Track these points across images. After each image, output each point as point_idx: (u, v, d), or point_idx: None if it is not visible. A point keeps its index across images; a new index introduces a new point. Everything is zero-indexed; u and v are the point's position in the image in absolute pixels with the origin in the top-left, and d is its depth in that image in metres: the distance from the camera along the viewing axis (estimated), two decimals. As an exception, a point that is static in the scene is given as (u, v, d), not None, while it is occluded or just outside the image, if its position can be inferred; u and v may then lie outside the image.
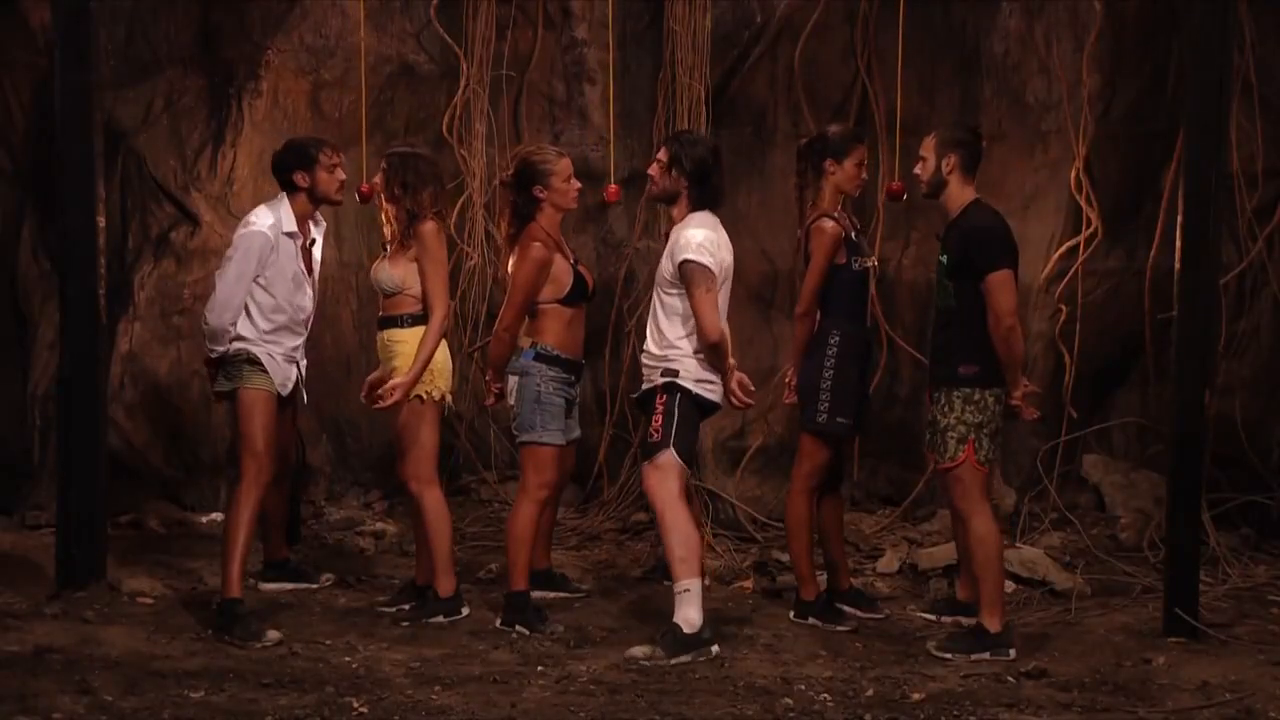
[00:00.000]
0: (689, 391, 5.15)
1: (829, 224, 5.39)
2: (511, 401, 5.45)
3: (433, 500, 5.45)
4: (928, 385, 5.40)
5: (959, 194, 5.21)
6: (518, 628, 5.34)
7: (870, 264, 5.63)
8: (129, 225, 7.19)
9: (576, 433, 5.71)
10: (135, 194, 7.17)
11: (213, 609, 5.40)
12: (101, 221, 5.82)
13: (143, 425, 7.10)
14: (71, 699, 4.51)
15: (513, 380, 5.44)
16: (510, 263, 5.50)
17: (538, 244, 5.37)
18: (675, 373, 5.16)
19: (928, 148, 5.24)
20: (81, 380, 5.77)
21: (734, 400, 5.22)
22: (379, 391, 5.38)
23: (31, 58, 7.02)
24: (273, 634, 5.21)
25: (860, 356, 5.55)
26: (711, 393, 5.21)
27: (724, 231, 5.27)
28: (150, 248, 7.16)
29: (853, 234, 5.54)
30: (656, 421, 5.15)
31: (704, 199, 5.19)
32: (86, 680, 4.68)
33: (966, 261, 5.10)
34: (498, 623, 5.42)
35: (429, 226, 5.36)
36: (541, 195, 5.43)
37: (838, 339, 5.44)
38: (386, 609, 5.65)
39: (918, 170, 5.28)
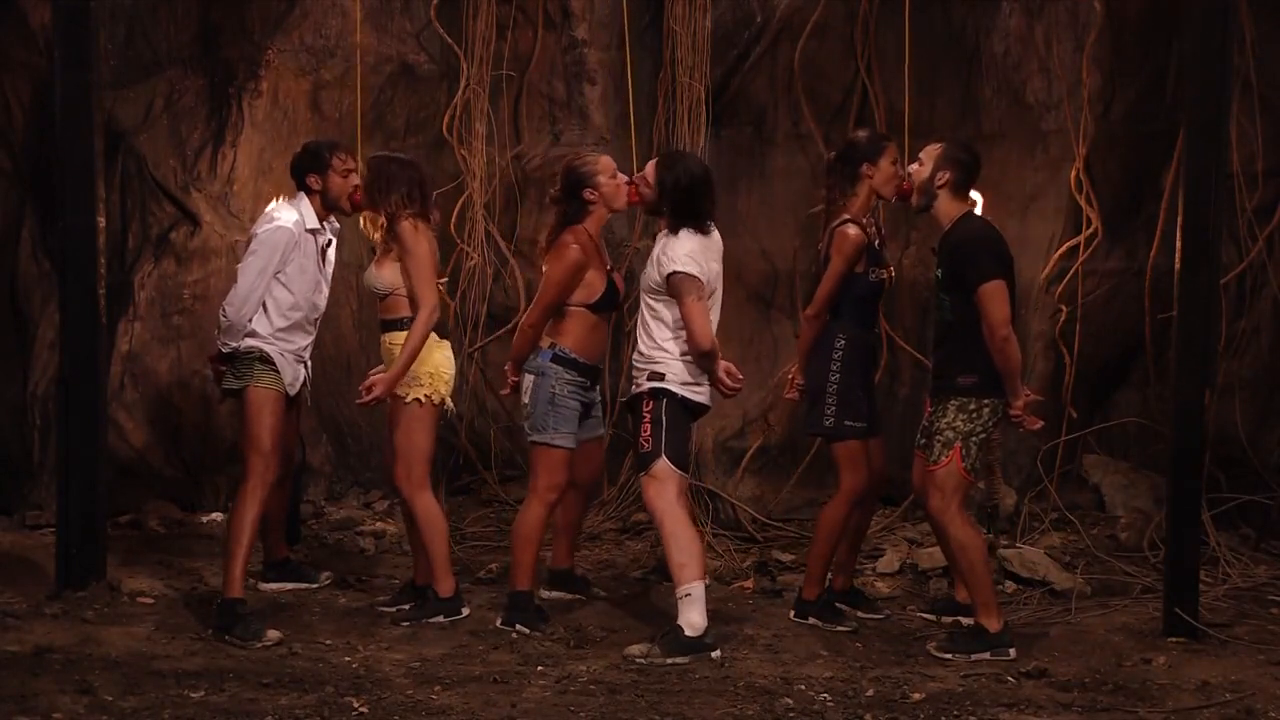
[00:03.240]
0: (675, 395, 5.16)
1: (853, 230, 5.37)
2: (525, 400, 5.42)
3: (424, 504, 5.45)
4: (927, 394, 5.40)
5: (948, 208, 5.22)
6: (518, 627, 5.34)
7: (887, 274, 5.60)
8: (129, 225, 7.18)
9: (600, 431, 5.68)
10: (135, 194, 7.17)
11: (214, 609, 5.40)
12: (102, 221, 5.82)
13: (143, 425, 7.10)
14: (71, 699, 4.52)
15: (528, 379, 5.41)
16: (545, 262, 5.46)
17: (575, 246, 5.34)
18: (661, 376, 5.17)
19: (929, 155, 5.25)
20: (81, 380, 5.77)
21: (722, 389, 5.21)
22: (360, 387, 5.40)
23: (31, 58, 7.02)
24: (273, 633, 5.21)
25: (865, 361, 5.54)
26: (698, 394, 5.22)
27: (715, 238, 5.27)
28: (150, 248, 7.16)
29: (876, 242, 5.54)
30: (645, 430, 5.16)
31: (687, 221, 5.18)
32: (86, 680, 4.68)
33: (958, 274, 5.11)
34: (498, 622, 5.42)
35: (404, 226, 5.36)
36: (593, 197, 5.38)
37: (843, 343, 5.42)
38: (387, 609, 5.65)
39: (912, 169, 5.31)
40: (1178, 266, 5.37)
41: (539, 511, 5.40)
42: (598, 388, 5.58)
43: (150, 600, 5.70)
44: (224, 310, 5.45)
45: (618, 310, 5.40)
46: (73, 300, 5.76)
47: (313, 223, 5.52)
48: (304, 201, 5.55)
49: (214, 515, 6.96)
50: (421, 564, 5.64)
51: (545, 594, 5.81)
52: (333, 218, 5.69)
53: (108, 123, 6.77)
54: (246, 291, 5.40)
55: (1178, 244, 5.35)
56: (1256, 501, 6.74)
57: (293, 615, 5.58)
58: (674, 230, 5.19)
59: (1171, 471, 5.45)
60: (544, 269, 5.46)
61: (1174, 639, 5.29)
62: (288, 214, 5.50)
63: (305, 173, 5.56)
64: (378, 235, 5.48)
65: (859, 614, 5.62)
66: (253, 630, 5.20)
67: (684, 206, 5.19)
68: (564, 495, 5.55)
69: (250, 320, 5.40)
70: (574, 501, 5.78)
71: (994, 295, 5.04)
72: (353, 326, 7.48)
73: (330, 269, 5.73)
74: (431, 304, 5.34)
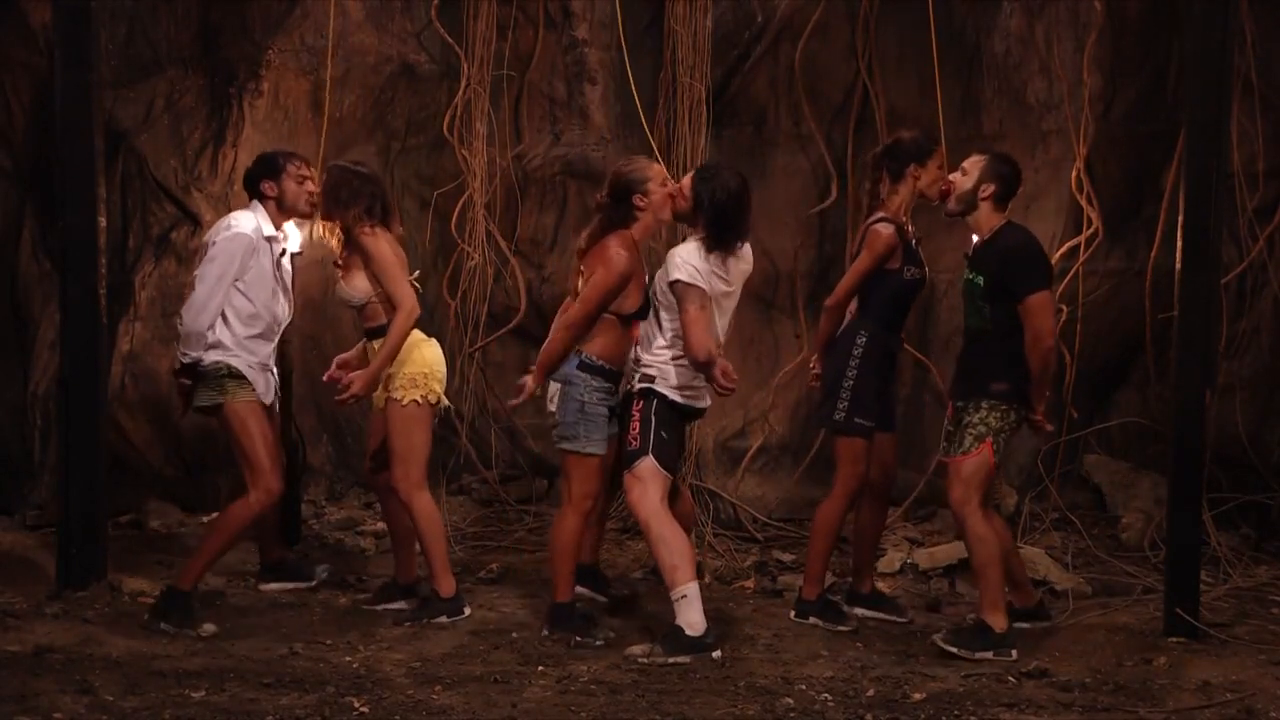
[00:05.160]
0: (665, 396, 5.16)
1: (886, 229, 5.38)
2: (552, 408, 5.34)
3: (422, 504, 5.45)
4: (949, 398, 5.41)
5: (989, 218, 5.27)
6: (576, 639, 5.23)
7: (922, 274, 5.59)
8: (130, 225, 7.19)
9: (613, 429, 5.68)
10: (136, 194, 7.17)
11: (160, 594, 5.42)
12: (102, 221, 5.82)
13: (143, 425, 7.10)
14: (72, 699, 4.52)
15: (554, 387, 5.33)
16: (583, 268, 5.33)
17: (624, 252, 5.22)
18: (652, 378, 5.17)
19: (974, 165, 5.28)
20: (82, 380, 5.77)
21: (717, 389, 5.19)
22: (340, 384, 5.39)
23: (31, 58, 7.03)
24: (209, 626, 5.24)
25: (885, 362, 5.53)
26: (692, 399, 5.22)
27: (747, 256, 5.24)
28: (151, 248, 7.16)
29: (912, 241, 5.54)
30: (634, 429, 5.16)
31: (720, 241, 5.15)
32: (87, 680, 4.68)
33: (1005, 284, 5.14)
34: (543, 632, 5.34)
35: (362, 236, 5.37)
36: (642, 204, 5.27)
37: (864, 340, 5.43)
38: (371, 607, 5.67)
39: (954, 177, 5.33)
40: (1178, 266, 5.37)
41: (576, 521, 5.30)
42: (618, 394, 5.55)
43: (150, 600, 5.69)
44: (180, 317, 5.44)
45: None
46: (73, 300, 5.76)
47: (270, 230, 5.54)
48: (260, 210, 5.57)
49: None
50: (403, 562, 5.68)
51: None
52: (291, 225, 5.71)
53: (108, 122, 6.76)
54: (204, 299, 5.39)
55: (1178, 244, 5.36)
56: (1257, 501, 6.75)
57: (293, 615, 5.58)
58: (703, 243, 5.15)
59: (1172, 471, 5.45)
60: (583, 272, 5.32)
61: (1175, 639, 5.29)
62: (246, 221, 5.51)
63: (260, 179, 5.58)
64: (335, 243, 5.49)
65: (881, 615, 5.63)
66: (190, 619, 5.24)
67: (718, 223, 5.15)
68: (599, 502, 5.50)
69: (209, 329, 5.39)
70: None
71: (1043, 306, 5.11)
72: (353, 326, 7.46)
73: (289, 278, 5.72)
74: (409, 304, 5.34)
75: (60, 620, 5.40)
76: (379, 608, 5.67)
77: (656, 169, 5.41)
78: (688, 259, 5.11)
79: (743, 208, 5.20)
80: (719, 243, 5.16)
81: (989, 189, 5.23)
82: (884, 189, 5.47)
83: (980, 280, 5.22)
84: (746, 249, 5.30)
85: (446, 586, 5.50)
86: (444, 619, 5.46)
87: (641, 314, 5.35)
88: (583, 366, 5.28)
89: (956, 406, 5.29)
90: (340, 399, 5.39)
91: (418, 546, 5.60)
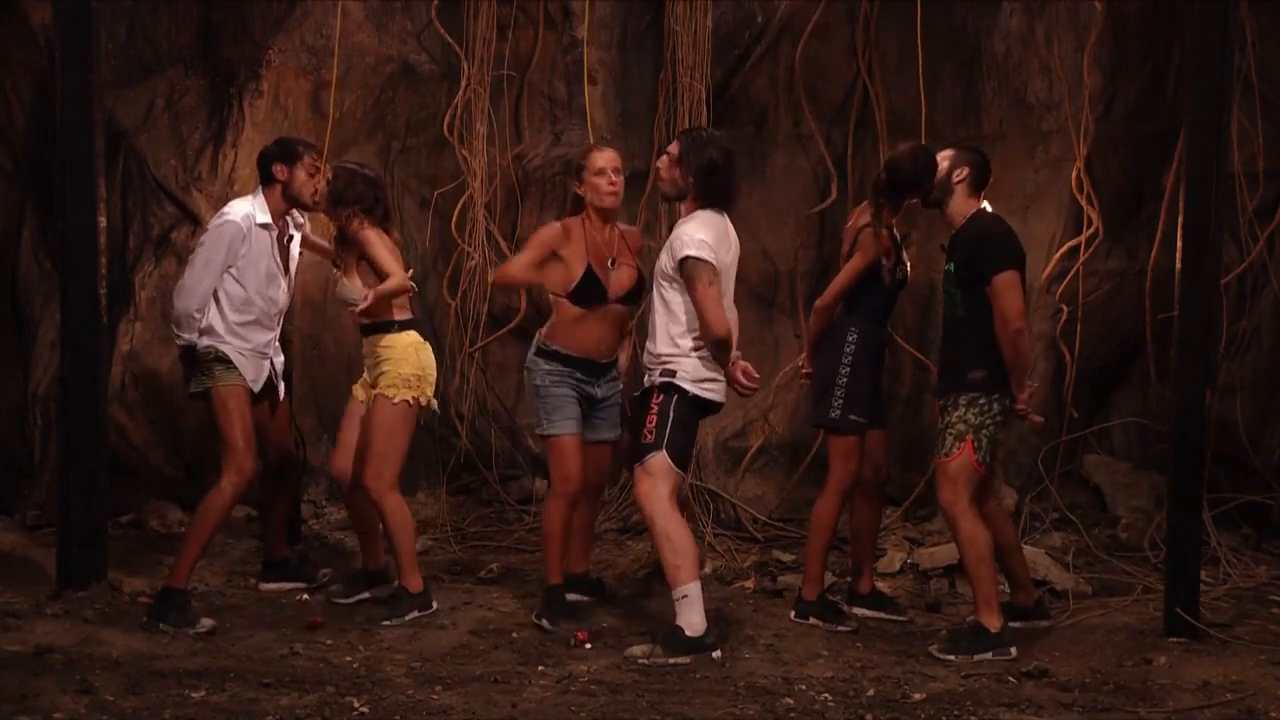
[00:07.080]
0: (686, 392, 5.13)
1: (883, 233, 5.40)
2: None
3: (393, 504, 5.48)
4: (935, 396, 5.41)
5: (963, 205, 5.28)
6: (543, 621, 5.36)
7: (905, 272, 5.61)
8: (130, 225, 7.19)
9: (609, 434, 5.67)
10: (136, 194, 7.17)
11: (154, 596, 5.45)
12: (103, 221, 5.83)
13: (143, 425, 7.11)
14: (72, 699, 4.52)
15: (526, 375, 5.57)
16: None
17: (553, 224, 5.47)
18: (673, 373, 5.12)
19: (944, 156, 5.31)
20: (82, 380, 5.77)
21: (737, 388, 5.17)
22: (356, 304, 5.43)
23: (32, 58, 7.03)
24: (207, 621, 5.28)
25: (874, 357, 5.55)
26: (711, 392, 5.17)
27: (733, 233, 5.24)
28: (151, 248, 7.16)
29: (899, 238, 5.56)
30: (650, 422, 5.11)
31: (711, 199, 5.15)
32: (87, 680, 4.68)
33: (973, 268, 5.13)
34: (534, 617, 5.44)
35: (352, 231, 5.45)
36: (580, 191, 5.47)
37: (855, 337, 5.43)
38: (343, 600, 5.75)
39: None
40: (1179, 266, 5.37)
41: (555, 505, 5.44)
42: (610, 384, 5.57)
43: (150, 600, 5.69)
44: (172, 301, 5.54)
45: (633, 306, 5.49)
46: (73, 300, 5.77)
47: (264, 218, 5.56)
48: (260, 196, 5.60)
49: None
50: (370, 550, 5.77)
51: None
52: (298, 214, 5.73)
53: (108, 123, 6.76)
54: (192, 283, 5.46)
55: (1179, 244, 5.36)
56: (1257, 501, 6.75)
57: (293, 615, 5.58)
58: (699, 208, 5.14)
59: (1172, 471, 5.45)
60: None
61: (1175, 639, 5.29)
62: (238, 208, 5.56)
63: (273, 161, 5.61)
64: (330, 244, 5.55)
65: (881, 615, 5.63)
66: (188, 617, 5.27)
67: (712, 185, 5.14)
68: (581, 485, 5.51)
69: (199, 313, 5.45)
70: (584, 504, 5.73)
71: (1009, 287, 5.08)
72: (353, 326, 7.46)
73: (294, 264, 5.76)
74: (399, 274, 5.43)
75: (60, 620, 5.40)
76: (351, 600, 5.74)
77: (595, 157, 5.49)
78: (693, 234, 5.04)
79: (730, 167, 5.20)
80: (715, 200, 5.15)
81: (963, 172, 5.26)
82: (885, 216, 5.45)
83: (953, 267, 5.23)
84: (731, 229, 5.26)
85: (415, 583, 5.53)
86: (416, 613, 5.48)
87: (584, 294, 5.42)
88: (538, 352, 5.46)
89: (940, 406, 5.29)
90: (360, 310, 5.43)
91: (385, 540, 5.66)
